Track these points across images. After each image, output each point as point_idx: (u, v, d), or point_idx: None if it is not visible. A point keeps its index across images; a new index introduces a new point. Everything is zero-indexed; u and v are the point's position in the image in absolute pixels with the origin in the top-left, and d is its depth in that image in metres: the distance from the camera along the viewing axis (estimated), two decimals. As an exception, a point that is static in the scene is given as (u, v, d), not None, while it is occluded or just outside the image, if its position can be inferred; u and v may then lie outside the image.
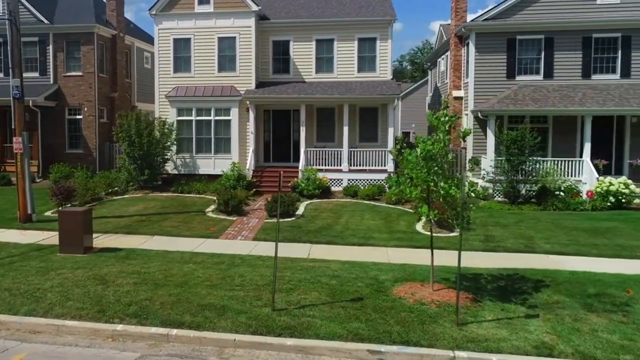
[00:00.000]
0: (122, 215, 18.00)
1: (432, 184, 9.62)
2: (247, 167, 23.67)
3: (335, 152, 23.67)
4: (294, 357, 7.91)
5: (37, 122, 26.43)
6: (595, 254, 13.45)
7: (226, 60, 25.05)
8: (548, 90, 22.38)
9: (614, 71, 22.64)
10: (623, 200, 19.13)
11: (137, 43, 32.16)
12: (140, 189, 22.71)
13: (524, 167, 19.90)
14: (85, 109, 27.42)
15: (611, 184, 19.24)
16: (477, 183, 20.98)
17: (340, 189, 22.75)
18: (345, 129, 23.47)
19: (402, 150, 10.26)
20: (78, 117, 27.67)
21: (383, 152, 23.29)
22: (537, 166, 20.23)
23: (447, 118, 9.79)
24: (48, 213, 18.24)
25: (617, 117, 22.42)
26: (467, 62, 24.32)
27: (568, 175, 20.84)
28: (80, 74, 27.46)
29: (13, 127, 16.98)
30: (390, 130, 23.54)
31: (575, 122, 22.56)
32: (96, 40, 27.35)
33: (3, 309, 9.35)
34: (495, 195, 20.88)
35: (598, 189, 19.37)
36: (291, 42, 25.66)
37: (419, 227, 16.41)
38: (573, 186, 20.03)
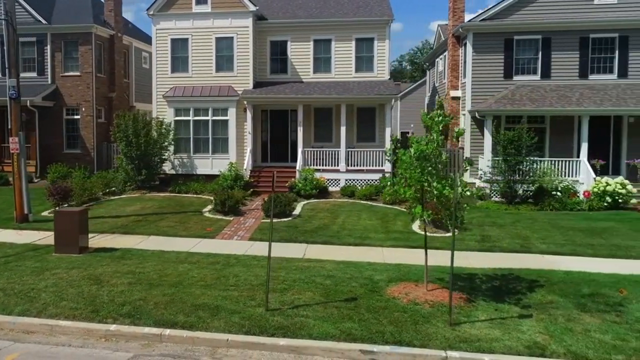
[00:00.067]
0: (119, 215, 18.00)
1: (425, 184, 9.63)
2: (245, 167, 23.67)
3: (333, 152, 23.68)
4: (287, 357, 7.91)
5: (35, 122, 26.41)
6: (591, 254, 13.46)
7: (224, 61, 25.05)
8: (545, 91, 22.38)
9: (611, 71, 22.65)
10: (620, 201, 19.13)
11: (135, 43, 32.16)
12: (137, 189, 22.71)
13: (521, 167, 19.92)
14: (83, 109, 27.41)
15: (608, 184, 19.25)
16: (472, 183, 21.01)
17: (338, 189, 22.75)
18: (343, 129, 23.48)
19: (396, 151, 10.26)
20: (76, 117, 27.67)
21: (380, 152, 23.29)
22: (534, 166, 20.24)
23: (440, 118, 9.79)
24: (45, 213, 18.24)
25: (615, 117, 22.44)
26: (465, 62, 24.32)
27: (565, 176, 20.85)
28: (78, 74, 27.45)
29: (10, 127, 16.97)
30: (388, 131, 23.56)
31: (572, 122, 22.56)
32: (94, 40, 27.34)
33: (-3, 309, 9.37)
34: (492, 195, 20.89)
35: (595, 189, 19.38)
36: (289, 42, 25.67)
37: (415, 227, 16.41)
38: (570, 186, 20.03)
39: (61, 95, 27.53)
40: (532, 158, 19.95)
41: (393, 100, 24.11)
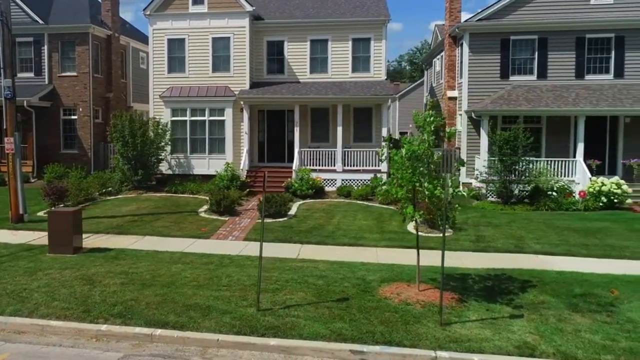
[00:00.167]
0: (114, 216, 18.00)
1: (417, 184, 9.63)
2: (241, 168, 23.67)
3: (329, 152, 23.68)
4: (277, 357, 7.92)
5: (32, 122, 26.47)
6: (585, 254, 13.46)
7: (220, 61, 25.05)
8: (542, 91, 22.39)
9: (607, 71, 22.65)
10: (615, 201, 19.15)
11: (133, 43, 32.16)
12: (134, 189, 22.71)
13: (516, 167, 19.90)
14: (80, 109, 27.42)
15: (603, 184, 19.26)
16: (468, 183, 21.00)
17: (334, 189, 22.75)
18: (339, 129, 23.48)
19: (388, 151, 10.27)
20: (73, 117, 27.67)
21: (377, 153, 23.27)
22: (530, 166, 20.24)
23: (432, 119, 9.78)
24: (41, 213, 18.23)
25: (611, 117, 22.43)
26: (461, 62, 24.34)
27: (561, 176, 20.84)
28: (75, 74, 27.45)
29: (5, 127, 16.97)
30: (384, 131, 23.55)
31: (568, 122, 22.56)
32: (91, 40, 27.35)
33: (-12, 309, 9.37)
34: (488, 195, 20.89)
35: (590, 189, 19.39)
36: (285, 42, 25.67)
37: (410, 227, 16.39)
38: (566, 186, 20.03)
39: (58, 96, 27.53)
40: (528, 158, 19.93)
41: (390, 100, 24.13)
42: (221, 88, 24.73)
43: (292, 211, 18.68)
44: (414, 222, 16.12)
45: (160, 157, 23.82)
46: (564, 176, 20.88)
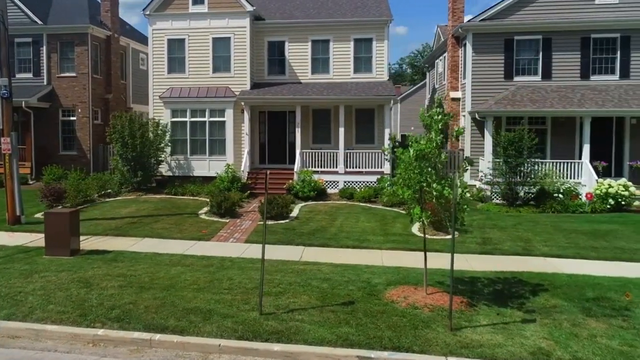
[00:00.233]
0: (113, 217, 17.68)
1: (424, 184, 9.33)
2: (242, 169, 23.37)
3: (331, 154, 23.37)
4: (281, 364, 7.60)
5: (30, 123, 26.20)
6: (595, 257, 13.14)
7: (221, 61, 24.78)
8: (546, 91, 22.11)
9: (613, 72, 22.39)
10: (622, 203, 18.85)
11: (133, 44, 31.90)
12: (133, 190, 22.41)
13: (522, 168, 19.59)
14: (79, 110, 27.14)
15: (610, 186, 18.96)
16: (472, 185, 20.70)
17: (336, 191, 22.45)
18: (341, 131, 23.19)
19: (395, 150, 9.98)
20: (72, 118, 27.39)
21: (379, 154, 22.98)
22: (536, 168, 19.94)
23: (440, 117, 9.49)
24: (38, 215, 17.89)
25: (617, 119, 22.17)
26: (465, 63, 24.07)
27: (567, 177, 20.55)
28: (74, 75, 27.18)
29: (1, 127, 16.67)
30: (387, 132, 23.24)
31: (574, 124, 22.29)
32: (90, 41, 27.08)
33: (-19, 313, 9.05)
34: (493, 197, 20.58)
35: (597, 191, 19.09)
36: (286, 42, 25.41)
37: (414, 229, 16.09)
38: (572, 188, 19.73)
39: (57, 97, 27.25)
40: (533, 160, 19.64)
41: (392, 101, 23.85)
42: (222, 89, 24.45)
43: (294, 213, 18.37)
44: (419, 223, 15.90)
45: (160, 158, 23.52)
46: (570, 178, 20.58)
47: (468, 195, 9.31)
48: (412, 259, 12.68)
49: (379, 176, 22.43)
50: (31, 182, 25.12)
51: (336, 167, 23.10)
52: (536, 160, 19.88)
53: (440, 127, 9.47)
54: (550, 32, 22.49)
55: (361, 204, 20.44)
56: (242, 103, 23.87)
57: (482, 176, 20.89)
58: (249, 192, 21.71)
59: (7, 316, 8.89)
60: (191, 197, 21.45)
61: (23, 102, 24.68)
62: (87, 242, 14.17)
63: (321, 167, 23.16)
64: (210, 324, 8.47)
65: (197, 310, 9.02)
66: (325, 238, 15.03)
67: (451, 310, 8.46)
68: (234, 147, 24.14)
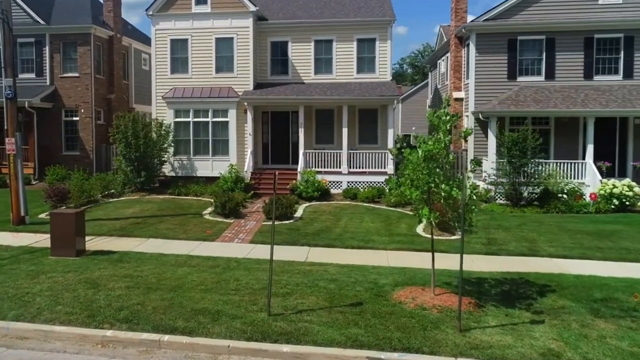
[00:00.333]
0: (117, 218, 17.67)
1: (432, 185, 9.32)
2: (245, 169, 23.35)
3: (335, 154, 23.35)
4: (290, 365, 7.59)
5: (33, 123, 26.17)
6: (600, 258, 13.13)
7: (224, 61, 24.75)
8: (550, 92, 22.09)
9: (616, 72, 22.36)
10: (627, 203, 18.84)
11: (135, 44, 31.88)
12: (136, 191, 22.39)
13: (525, 169, 19.57)
14: (82, 111, 27.12)
15: (615, 186, 18.95)
16: (478, 185, 20.64)
17: (340, 191, 22.43)
18: (345, 131, 23.17)
19: (402, 150, 9.96)
20: (75, 118, 27.37)
21: (383, 154, 22.97)
22: (539, 168, 19.92)
23: (448, 117, 9.48)
24: (42, 215, 17.90)
25: (620, 119, 22.15)
26: (468, 63, 24.04)
27: (571, 178, 20.53)
28: (76, 75, 27.16)
29: (6, 128, 16.66)
30: (390, 132, 23.23)
31: (577, 124, 22.27)
32: (93, 41, 27.06)
33: (-11, 314, 9.04)
34: (496, 197, 20.55)
35: (601, 192, 19.07)
36: (289, 42, 25.38)
37: (419, 229, 16.10)
38: (576, 189, 19.71)
39: (60, 97, 27.23)
40: (537, 160, 19.61)
41: (395, 101, 23.82)
42: (225, 89, 24.43)
43: (298, 213, 18.35)
44: (423, 224, 15.94)
45: (163, 158, 23.51)
46: (574, 178, 20.56)
47: (475, 197, 9.28)
48: (417, 260, 12.69)
49: (382, 176, 22.43)
50: (34, 183, 25.10)
51: (339, 167, 23.08)
52: (540, 160, 19.86)
53: (448, 127, 9.47)
54: (554, 32, 22.46)
55: (365, 204, 20.43)
56: (245, 103, 23.85)
57: (485, 176, 20.86)
58: (252, 192, 21.69)
59: (15, 317, 8.89)
60: (195, 198, 21.43)
61: (26, 103, 24.66)
62: (92, 243, 14.16)
63: (324, 167, 23.13)
64: (219, 325, 8.47)
65: (206, 311, 9.01)
66: (330, 238, 15.02)
67: (460, 311, 8.45)
68: (237, 148, 24.12)
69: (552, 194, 19.44)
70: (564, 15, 22.36)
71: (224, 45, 24.69)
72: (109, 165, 26.84)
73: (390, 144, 22.96)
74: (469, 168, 9.77)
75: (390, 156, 22.61)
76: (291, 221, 17.24)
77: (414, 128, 47.93)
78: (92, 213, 18.04)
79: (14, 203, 16.50)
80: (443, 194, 9.13)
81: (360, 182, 22.71)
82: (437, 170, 9.29)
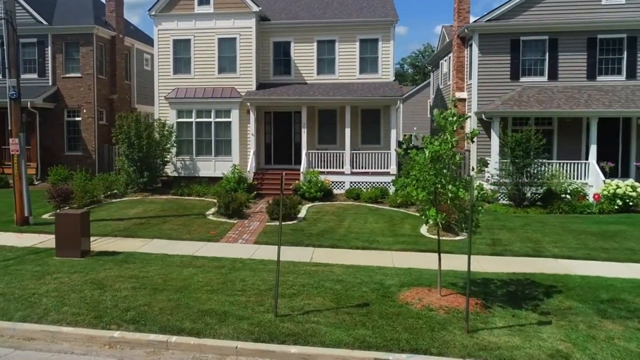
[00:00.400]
0: (120, 218, 17.67)
1: (439, 186, 9.31)
2: (248, 170, 23.34)
3: (337, 155, 23.34)
4: (298, 366, 7.59)
5: (36, 124, 26.13)
6: (605, 258, 13.13)
7: (226, 62, 24.75)
8: (553, 92, 22.09)
9: (619, 72, 22.36)
10: (630, 204, 18.84)
11: (137, 44, 31.87)
12: (139, 191, 22.39)
13: (529, 169, 19.59)
14: (84, 111, 27.12)
15: (618, 186, 18.94)
16: (484, 185, 20.63)
17: (343, 191, 22.42)
18: (347, 131, 23.16)
19: (408, 151, 9.96)
20: (77, 119, 27.38)
21: (386, 154, 22.97)
22: (543, 169, 19.93)
23: (455, 118, 9.48)
24: (46, 216, 17.91)
25: (623, 119, 22.16)
26: (470, 63, 24.04)
27: (574, 178, 20.53)
28: (79, 75, 27.16)
29: (10, 128, 16.65)
30: (393, 132, 23.23)
31: (580, 124, 22.26)
32: (95, 41, 27.05)
33: (-4, 314, 9.04)
34: (499, 198, 20.55)
35: (605, 192, 19.07)
36: (292, 43, 25.38)
37: (423, 230, 16.09)
38: (579, 189, 19.71)
39: (62, 97, 27.24)
40: (540, 160, 19.62)
41: (398, 101, 23.80)
42: (227, 89, 24.43)
43: (302, 214, 18.35)
44: (427, 225, 15.93)
45: (165, 159, 23.50)
46: (577, 179, 20.57)
47: (481, 199, 9.29)
48: (422, 260, 12.70)
49: (385, 177, 22.46)
50: (36, 183, 25.10)
51: (342, 167, 23.07)
52: (543, 161, 19.86)
53: (455, 128, 9.46)
54: (557, 32, 22.46)
55: (368, 204, 20.43)
56: (248, 104, 23.84)
57: (488, 177, 20.86)
58: (255, 192, 21.70)
59: (22, 318, 8.89)
60: (197, 198, 21.43)
61: (28, 103, 24.63)
62: (97, 243, 14.16)
63: (327, 167, 23.12)
64: (226, 326, 8.46)
65: (212, 312, 9.00)
66: (335, 239, 15.02)
67: (467, 312, 8.45)
68: (239, 148, 24.11)
69: (555, 195, 19.44)
70: (566, 15, 22.36)
71: (227, 46, 24.69)
72: (111, 166, 26.84)
73: (393, 144, 22.95)
74: (475, 169, 9.75)
75: (393, 156, 22.62)
76: (295, 222, 17.24)
77: (415, 128, 47.98)
78: (95, 213, 18.03)
79: (17, 203, 16.49)
80: (450, 194, 9.14)
81: (363, 183, 22.71)
82: (444, 171, 9.29)
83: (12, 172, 17.03)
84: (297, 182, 21.86)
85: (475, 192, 8.81)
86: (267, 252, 13.32)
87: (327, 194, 21.39)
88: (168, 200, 20.88)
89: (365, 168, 23.08)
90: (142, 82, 31.83)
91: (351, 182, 22.77)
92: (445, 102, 29.18)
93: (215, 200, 19.44)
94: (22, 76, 26.07)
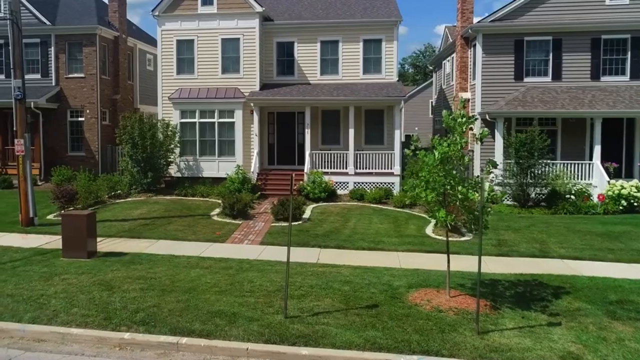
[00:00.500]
0: (125, 219, 17.67)
1: (449, 187, 9.31)
2: (252, 170, 23.33)
3: (341, 155, 23.33)
4: (310, 368, 7.58)
5: (39, 124, 26.13)
6: (612, 259, 13.13)
7: (230, 62, 24.74)
8: (557, 92, 22.08)
9: (623, 73, 22.33)
10: (635, 204, 18.84)
11: (140, 45, 31.84)
12: (143, 192, 22.36)
13: (533, 170, 19.58)
14: (88, 111, 27.11)
15: (623, 187, 18.94)
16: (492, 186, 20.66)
17: (347, 192, 22.41)
18: (351, 132, 23.15)
19: (416, 152, 9.96)
20: (80, 119, 27.36)
21: (389, 155, 22.97)
22: (547, 169, 19.92)
23: (464, 119, 9.47)
24: (50, 216, 17.91)
25: (627, 120, 22.14)
26: (474, 63, 24.02)
27: (578, 179, 20.53)
28: (82, 75, 27.14)
29: (14, 129, 16.65)
30: (397, 133, 23.23)
31: (584, 125, 22.25)
32: (98, 41, 27.04)
33: (6, 316, 9.03)
34: (504, 198, 20.54)
35: (609, 193, 19.06)
36: (295, 43, 25.36)
37: (428, 230, 16.09)
38: (583, 189, 19.70)
39: (65, 97, 27.22)
40: (544, 161, 19.62)
41: (402, 102, 23.79)
42: (231, 90, 24.42)
43: (307, 215, 18.35)
44: (432, 225, 15.92)
45: (169, 159, 23.49)
46: (581, 179, 20.56)
47: (490, 201, 9.29)
48: (429, 261, 12.70)
49: (389, 177, 22.46)
50: (40, 183, 25.07)
51: (346, 168, 23.07)
52: (547, 161, 19.86)
53: (464, 129, 9.46)
54: (561, 33, 22.44)
55: (372, 205, 20.43)
56: (252, 104, 23.83)
57: (493, 177, 20.84)
58: (259, 193, 21.67)
59: (31, 319, 8.89)
60: (201, 199, 21.42)
61: (32, 103, 24.58)
62: (103, 244, 14.15)
63: (330, 168, 23.11)
64: (236, 328, 8.46)
65: (222, 314, 9.00)
66: (340, 240, 15.01)
67: (478, 314, 8.45)
68: (243, 148, 24.11)
69: (559, 195, 19.43)
70: (570, 16, 22.34)
71: (230, 46, 24.67)
72: (114, 166, 26.82)
73: (397, 144, 22.94)
74: (484, 170, 9.75)
75: (397, 157, 22.61)
76: (300, 222, 17.23)
77: (416, 128, 47.92)
78: (100, 214, 17.98)
79: (22, 204, 16.48)
80: (460, 196, 9.14)
81: (366, 183, 22.70)
82: (454, 172, 9.29)
83: (16, 172, 17.07)
84: (301, 182, 21.85)
85: (486, 193, 8.80)
86: (274, 253, 13.33)
87: (331, 195, 21.38)
88: (172, 201, 20.87)
89: (369, 168, 23.08)
90: (145, 82, 31.82)
91: (355, 183, 22.76)
92: (448, 102, 29.17)
93: (220, 201, 19.44)
94: (26, 76, 26.00)
